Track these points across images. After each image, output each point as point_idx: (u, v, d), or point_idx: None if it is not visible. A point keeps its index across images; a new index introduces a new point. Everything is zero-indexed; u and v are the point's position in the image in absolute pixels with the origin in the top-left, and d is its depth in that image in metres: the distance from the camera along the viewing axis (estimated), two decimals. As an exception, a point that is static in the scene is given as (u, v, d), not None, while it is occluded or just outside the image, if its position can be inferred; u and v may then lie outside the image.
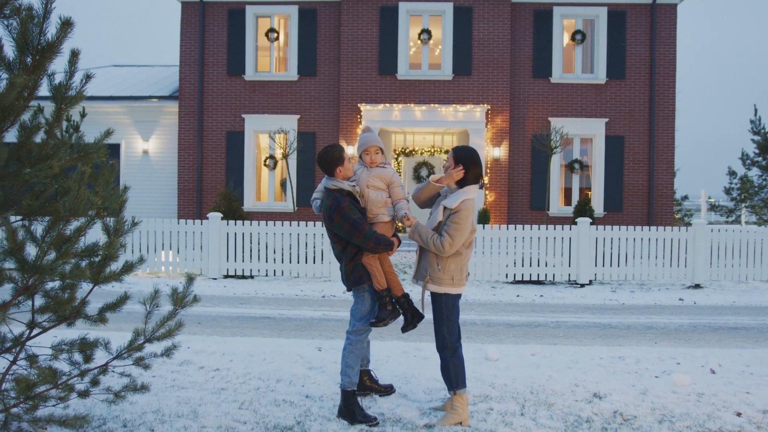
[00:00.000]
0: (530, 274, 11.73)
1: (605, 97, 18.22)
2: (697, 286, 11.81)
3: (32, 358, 3.84)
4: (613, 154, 18.19)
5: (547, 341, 6.99)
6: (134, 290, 10.15)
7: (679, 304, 10.00)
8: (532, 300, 9.99)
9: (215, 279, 11.64)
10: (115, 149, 19.45)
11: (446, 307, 4.39)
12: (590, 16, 18.21)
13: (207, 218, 11.90)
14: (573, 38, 18.20)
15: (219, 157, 18.63)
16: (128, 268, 4.17)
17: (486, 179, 17.63)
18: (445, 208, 4.38)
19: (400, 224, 4.43)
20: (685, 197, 29.43)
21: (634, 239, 11.79)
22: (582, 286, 11.60)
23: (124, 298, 4.24)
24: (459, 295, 4.46)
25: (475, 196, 4.44)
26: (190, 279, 4.22)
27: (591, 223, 11.75)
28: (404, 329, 4.62)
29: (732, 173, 24.32)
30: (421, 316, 4.61)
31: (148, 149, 19.44)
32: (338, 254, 4.67)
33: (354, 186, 4.58)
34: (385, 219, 4.63)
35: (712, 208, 24.93)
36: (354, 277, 4.53)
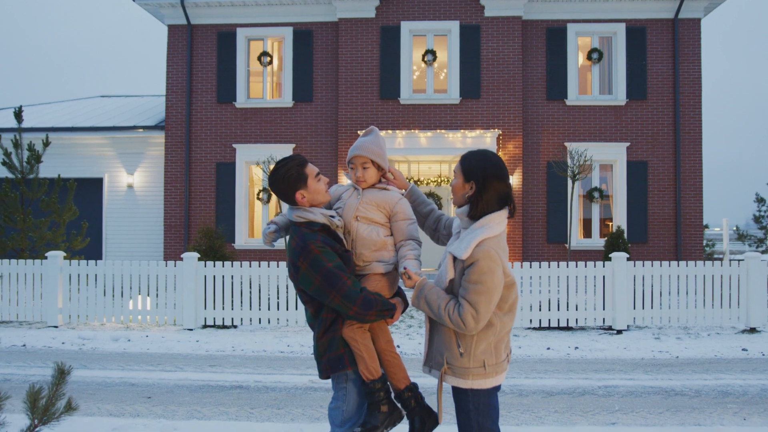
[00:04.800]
0: (558, 320, 10.09)
1: (626, 120, 16.70)
2: (753, 330, 10.12)
3: None
4: (635, 182, 16.61)
5: (601, 419, 5.32)
6: (87, 347, 8.56)
7: (744, 356, 8.30)
8: (566, 354, 8.31)
9: (191, 330, 10.00)
10: (97, 183, 18.04)
11: (476, 410, 2.77)
12: (607, 33, 16.81)
13: (182, 259, 10.33)
14: (589, 57, 16.77)
15: (208, 190, 17.14)
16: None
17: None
18: (455, 258, 2.79)
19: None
20: (706, 226, 27.76)
21: (678, 276, 10.14)
22: (619, 332, 9.92)
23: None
24: (496, 389, 2.85)
25: (501, 232, 2.79)
26: (62, 373, 2.61)
27: (627, 259, 10.13)
28: None
29: (760, 200, 22.67)
30: (435, 420, 2.98)
31: (133, 183, 17.96)
32: (310, 320, 3.08)
33: (333, 217, 3.01)
34: (379, 269, 3.04)
35: (740, 237, 23.17)
36: (329, 358, 2.92)
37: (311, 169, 2.99)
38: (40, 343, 8.93)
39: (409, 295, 2.96)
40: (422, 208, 3.25)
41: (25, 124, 15.42)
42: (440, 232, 3.21)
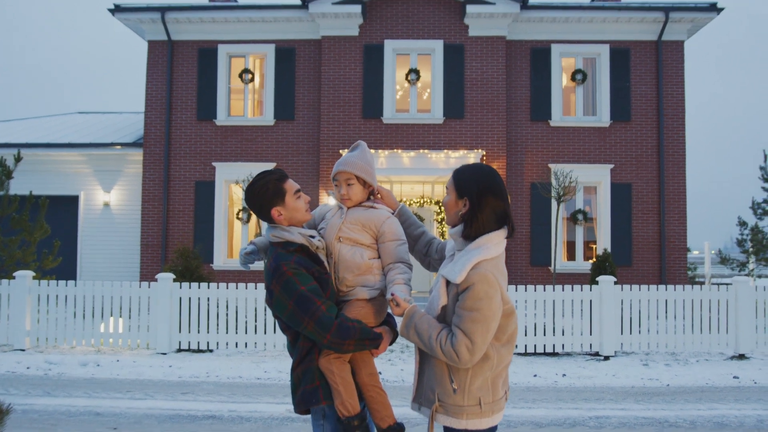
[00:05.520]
0: (544, 345, 9.82)
1: (610, 142, 16.63)
2: (741, 356, 9.93)
3: None
4: (619, 204, 16.50)
5: (594, 454, 5.05)
6: (53, 373, 8.14)
7: (736, 384, 8.08)
8: (554, 382, 8.04)
9: (165, 354, 9.60)
10: (73, 201, 17.60)
11: (471, 455, 2.50)
12: (591, 55, 16.79)
13: (156, 280, 9.95)
14: (573, 78, 16.72)
15: (187, 209, 16.76)
16: None
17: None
18: (448, 282, 2.52)
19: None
20: (688, 249, 27.75)
21: (666, 300, 9.95)
22: (606, 358, 9.68)
23: None
24: (493, 429, 2.58)
25: (500, 253, 2.53)
26: (0, 413, 2.29)
27: (615, 283, 9.92)
28: None
29: (743, 223, 22.63)
30: None
31: (110, 201, 17.56)
32: (290, 348, 2.80)
33: (312, 237, 2.74)
34: (363, 295, 2.76)
35: (723, 260, 23.13)
36: (303, 391, 2.63)
37: (290, 185, 2.72)
38: (3, 367, 8.48)
39: (399, 323, 2.68)
40: (413, 230, 2.98)
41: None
42: (431, 257, 2.93)
